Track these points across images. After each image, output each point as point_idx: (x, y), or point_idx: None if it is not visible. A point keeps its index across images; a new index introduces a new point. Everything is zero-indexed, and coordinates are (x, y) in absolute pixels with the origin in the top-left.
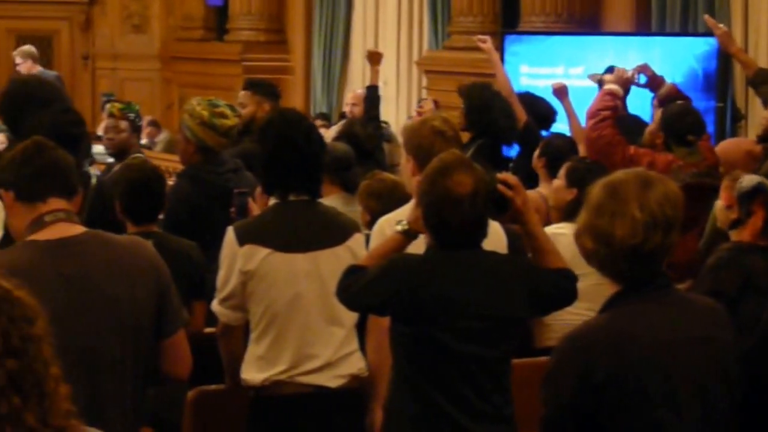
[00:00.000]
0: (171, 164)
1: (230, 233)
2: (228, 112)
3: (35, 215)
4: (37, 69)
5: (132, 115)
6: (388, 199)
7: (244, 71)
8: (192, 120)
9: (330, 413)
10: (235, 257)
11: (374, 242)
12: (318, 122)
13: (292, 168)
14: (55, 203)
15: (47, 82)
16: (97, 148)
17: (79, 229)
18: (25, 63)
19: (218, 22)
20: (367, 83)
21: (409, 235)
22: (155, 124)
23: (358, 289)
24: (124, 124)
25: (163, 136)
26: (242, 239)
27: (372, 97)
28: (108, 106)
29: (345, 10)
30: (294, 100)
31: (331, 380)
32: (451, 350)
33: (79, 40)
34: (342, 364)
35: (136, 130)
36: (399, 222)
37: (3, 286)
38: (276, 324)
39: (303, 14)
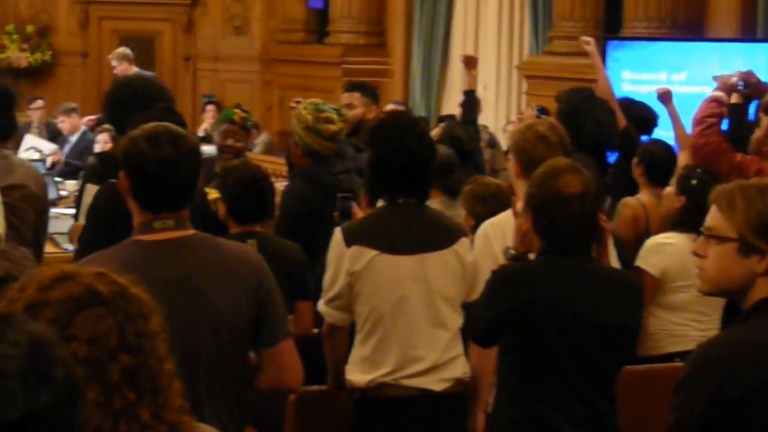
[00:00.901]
0: (270, 166)
1: (338, 234)
2: (334, 116)
3: (145, 218)
4: (134, 70)
5: (249, 123)
6: (492, 203)
7: (343, 74)
8: (298, 124)
9: (434, 417)
10: (343, 258)
11: (478, 246)
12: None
13: (403, 171)
14: (169, 215)
15: (151, 82)
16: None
17: (187, 232)
18: (120, 65)
19: (319, 25)
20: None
21: (518, 260)
22: (255, 126)
23: (473, 321)
24: (243, 132)
25: (262, 138)
26: (350, 240)
27: (469, 101)
28: (227, 110)
29: (445, 13)
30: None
31: (435, 383)
32: (558, 358)
33: (181, 42)
34: (447, 368)
35: (248, 137)
36: (506, 249)
37: (119, 282)
38: (381, 325)
39: (403, 17)
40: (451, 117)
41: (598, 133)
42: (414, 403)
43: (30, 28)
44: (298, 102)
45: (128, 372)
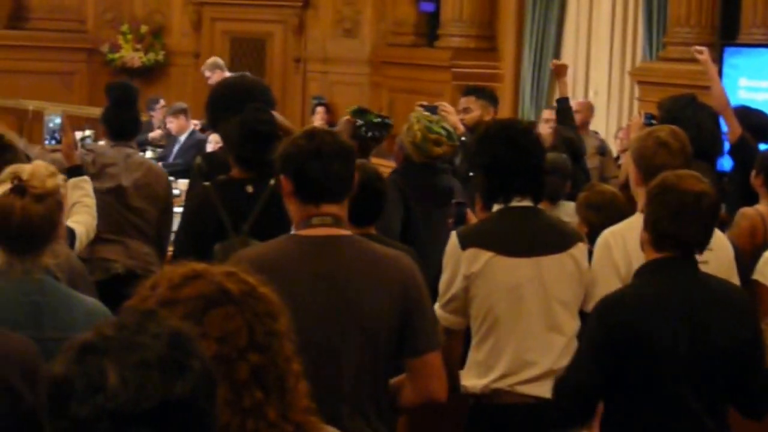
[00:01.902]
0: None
1: (453, 238)
2: (444, 139)
3: (306, 214)
4: (226, 74)
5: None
6: (607, 211)
7: (453, 78)
8: (406, 135)
9: (549, 426)
10: (458, 261)
11: (598, 255)
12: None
13: (515, 171)
14: (327, 208)
15: (248, 83)
16: None
17: (344, 231)
18: (214, 74)
19: (429, 28)
20: (577, 92)
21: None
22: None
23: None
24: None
25: None
26: (465, 243)
27: (563, 109)
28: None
29: (557, 18)
30: (502, 107)
31: (550, 392)
32: (668, 388)
33: (292, 43)
34: None
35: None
36: None
37: (248, 281)
38: (496, 329)
39: (514, 22)
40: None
41: (699, 139)
42: (529, 411)
43: (144, 29)
44: (422, 105)
45: (256, 371)
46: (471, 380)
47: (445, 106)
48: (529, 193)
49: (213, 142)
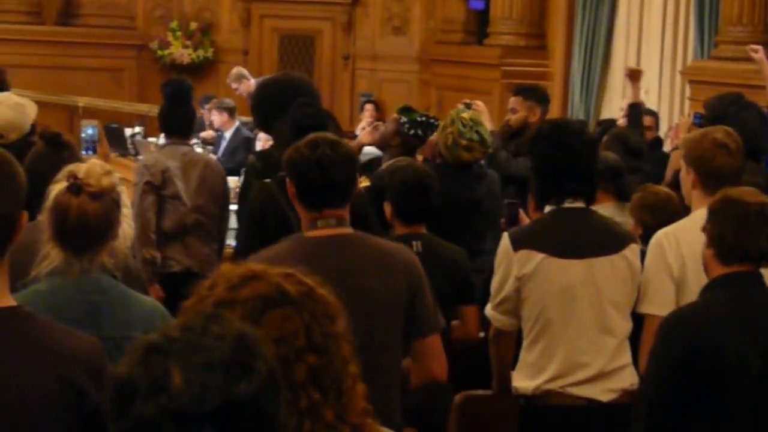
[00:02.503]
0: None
1: (505, 239)
2: (476, 146)
3: (311, 218)
4: (252, 83)
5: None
6: (661, 213)
7: (502, 76)
8: (441, 132)
9: (600, 428)
10: (510, 262)
11: (651, 255)
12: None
13: (568, 173)
14: (330, 212)
15: (293, 80)
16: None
17: (347, 230)
18: (240, 85)
19: (478, 26)
20: (627, 91)
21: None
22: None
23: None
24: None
25: None
26: (517, 244)
27: (634, 114)
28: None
29: (608, 16)
30: (552, 106)
31: (602, 394)
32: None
33: (341, 41)
34: (614, 377)
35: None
36: None
37: (306, 283)
38: (548, 330)
39: (564, 20)
40: (612, 121)
41: (744, 138)
42: (580, 413)
43: (193, 25)
44: (466, 104)
45: (314, 372)
46: (522, 381)
47: (477, 104)
48: (581, 195)
49: (263, 140)
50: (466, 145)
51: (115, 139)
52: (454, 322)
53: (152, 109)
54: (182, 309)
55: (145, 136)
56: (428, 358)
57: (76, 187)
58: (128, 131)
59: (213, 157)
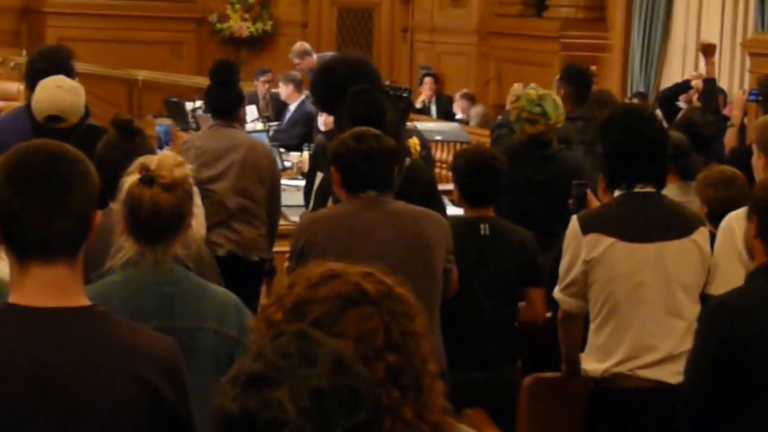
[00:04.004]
0: (485, 139)
1: (574, 222)
2: (540, 119)
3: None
4: (314, 58)
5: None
6: (725, 190)
7: (561, 48)
8: (510, 108)
9: (670, 411)
10: (579, 246)
11: (721, 239)
12: (634, 101)
13: (638, 158)
14: (371, 193)
15: (351, 62)
16: (425, 125)
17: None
18: (303, 61)
19: None
20: (687, 64)
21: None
22: (469, 98)
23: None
24: None
25: (477, 110)
26: (586, 228)
27: (710, 90)
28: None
29: None
30: (611, 78)
31: (671, 376)
32: None
33: (399, 13)
34: (683, 359)
35: None
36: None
37: (385, 282)
38: (617, 314)
39: None
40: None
41: None
42: (649, 395)
43: None
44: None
45: (393, 370)
46: (591, 364)
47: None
48: (651, 180)
49: (323, 115)
50: (532, 118)
51: (175, 112)
52: (521, 304)
53: None
54: (261, 309)
55: (206, 110)
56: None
57: (148, 178)
58: (188, 105)
59: (259, 138)
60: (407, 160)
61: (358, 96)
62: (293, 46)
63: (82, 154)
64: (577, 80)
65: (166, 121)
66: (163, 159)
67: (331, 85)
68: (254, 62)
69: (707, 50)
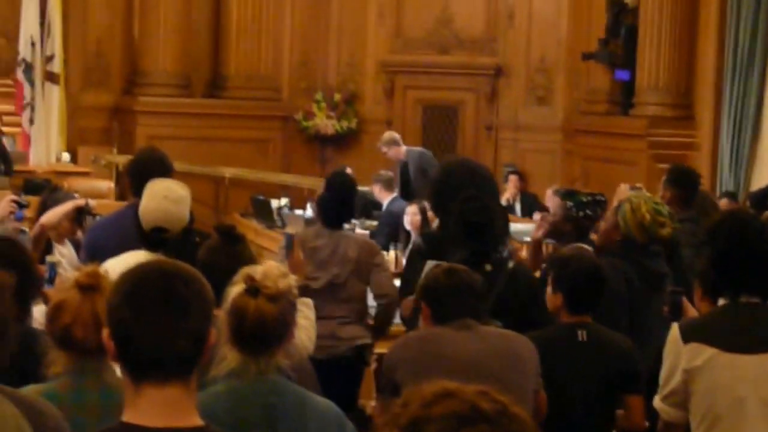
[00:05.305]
0: None
1: (675, 330)
2: (668, 221)
3: None
4: (403, 149)
5: None
6: None
7: (649, 146)
8: (632, 216)
9: None
10: (679, 355)
11: None
12: (723, 201)
13: (745, 268)
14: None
15: (470, 168)
16: (513, 226)
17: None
18: (390, 149)
19: (624, 96)
20: None
21: None
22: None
23: None
24: None
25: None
26: (687, 337)
27: None
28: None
29: (757, 86)
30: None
31: None
32: None
33: (484, 111)
34: None
35: None
36: None
37: (500, 400)
38: (718, 427)
39: (712, 89)
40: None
41: None
42: None
43: (337, 96)
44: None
45: None
46: None
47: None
48: (757, 290)
49: (411, 214)
50: (662, 222)
51: (262, 210)
52: (620, 411)
53: (298, 181)
54: (375, 427)
55: (291, 207)
56: None
57: (253, 289)
58: (274, 203)
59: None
60: (510, 263)
61: (467, 202)
62: (383, 134)
63: (198, 272)
64: (684, 182)
65: (291, 231)
66: (268, 269)
67: (450, 189)
68: (339, 159)
69: None
